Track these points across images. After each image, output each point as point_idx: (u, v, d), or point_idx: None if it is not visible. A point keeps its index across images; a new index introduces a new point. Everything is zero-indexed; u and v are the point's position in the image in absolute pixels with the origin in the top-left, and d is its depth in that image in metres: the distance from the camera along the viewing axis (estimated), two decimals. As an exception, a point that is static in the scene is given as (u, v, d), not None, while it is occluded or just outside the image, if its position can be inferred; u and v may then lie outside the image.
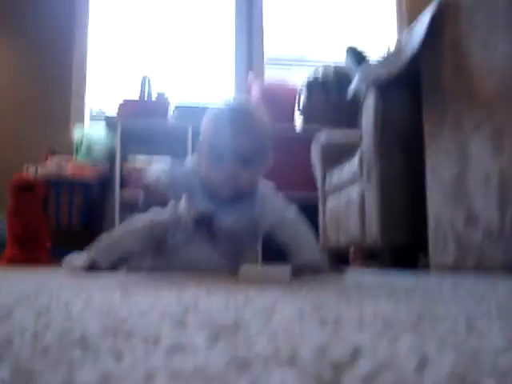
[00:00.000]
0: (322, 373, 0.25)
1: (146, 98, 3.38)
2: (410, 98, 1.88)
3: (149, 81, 3.41)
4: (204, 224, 1.40)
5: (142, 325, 0.43)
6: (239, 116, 1.32)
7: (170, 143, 3.43)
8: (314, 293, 0.73)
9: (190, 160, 1.48)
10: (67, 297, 0.70)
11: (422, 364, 0.27)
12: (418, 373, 0.25)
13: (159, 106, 3.36)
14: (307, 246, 1.38)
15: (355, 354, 0.30)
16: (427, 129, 1.69)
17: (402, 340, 0.35)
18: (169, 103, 3.41)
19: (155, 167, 1.54)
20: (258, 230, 1.44)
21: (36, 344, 0.35)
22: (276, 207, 1.41)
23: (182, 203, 1.40)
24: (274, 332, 0.38)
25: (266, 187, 1.45)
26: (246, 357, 0.29)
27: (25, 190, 2.86)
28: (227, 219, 1.39)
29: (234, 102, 1.49)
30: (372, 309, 0.54)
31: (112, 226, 3.04)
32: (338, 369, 0.26)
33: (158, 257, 1.40)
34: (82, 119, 3.66)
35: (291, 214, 1.42)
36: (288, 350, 0.31)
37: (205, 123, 1.37)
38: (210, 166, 1.32)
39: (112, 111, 3.53)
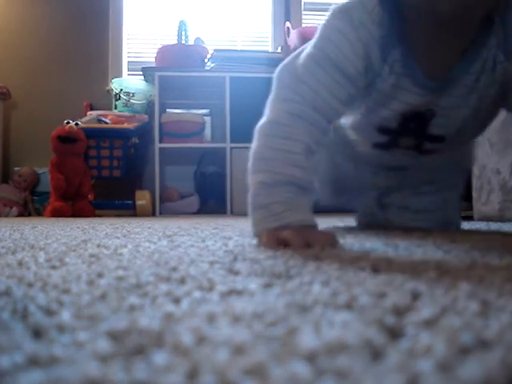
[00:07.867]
0: (383, 317, 0.25)
1: (183, 42, 3.35)
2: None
3: (186, 25, 3.37)
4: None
5: (193, 273, 0.43)
6: None
7: (208, 94, 3.42)
8: (357, 242, 0.72)
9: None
10: (115, 246, 0.71)
11: (485, 309, 0.27)
12: (482, 317, 0.25)
13: (197, 50, 3.33)
14: None
15: (414, 300, 0.29)
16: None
17: (459, 287, 0.34)
18: (207, 49, 3.37)
19: None
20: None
21: (93, 291, 0.35)
22: None
23: None
24: (326, 279, 0.38)
25: None
26: (304, 301, 0.29)
27: (67, 141, 2.89)
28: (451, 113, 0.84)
29: None
30: (421, 256, 0.53)
31: (152, 177, 3.08)
32: (399, 313, 0.26)
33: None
34: (120, 71, 3.66)
35: None
36: (345, 295, 0.31)
37: None
38: None
39: (150, 61, 3.52)
